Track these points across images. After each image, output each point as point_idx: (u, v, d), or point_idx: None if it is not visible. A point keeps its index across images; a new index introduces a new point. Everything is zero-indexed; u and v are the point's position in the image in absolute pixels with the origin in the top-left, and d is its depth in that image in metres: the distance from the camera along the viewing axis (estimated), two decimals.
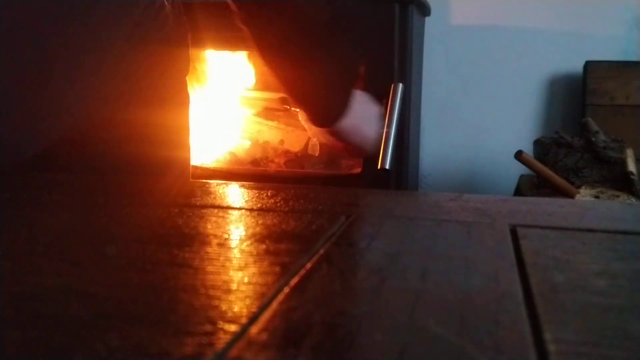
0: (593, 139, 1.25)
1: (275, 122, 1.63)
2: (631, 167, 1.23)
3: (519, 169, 1.37)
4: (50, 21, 0.47)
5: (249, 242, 0.30)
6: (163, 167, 0.60)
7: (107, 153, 0.55)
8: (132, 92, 0.56)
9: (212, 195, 0.42)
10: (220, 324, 0.20)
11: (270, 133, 1.62)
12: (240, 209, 0.38)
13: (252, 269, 0.26)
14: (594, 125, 1.28)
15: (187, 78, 0.65)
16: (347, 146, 0.68)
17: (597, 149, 1.25)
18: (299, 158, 1.55)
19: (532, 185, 1.35)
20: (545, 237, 0.32)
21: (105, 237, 0.32)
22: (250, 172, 1.50)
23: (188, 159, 0.66)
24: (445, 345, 0.19)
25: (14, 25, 0.45)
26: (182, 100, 0.64)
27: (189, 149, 0.66)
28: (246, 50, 1.55)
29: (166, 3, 0.56)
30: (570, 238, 0.32)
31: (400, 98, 1.29)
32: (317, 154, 1.54)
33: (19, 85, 0.47)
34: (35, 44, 0.47)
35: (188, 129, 0.65)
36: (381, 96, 1.35)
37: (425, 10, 1.53)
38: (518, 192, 1.38)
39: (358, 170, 1.41)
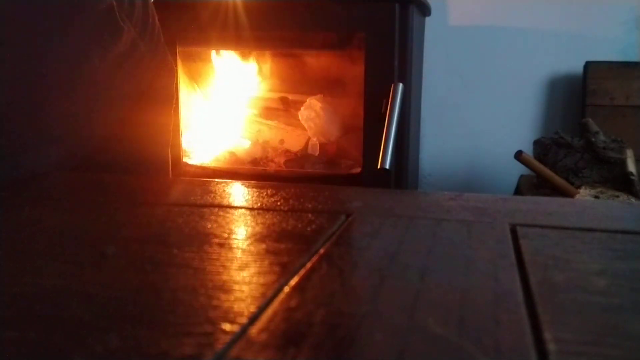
0: (593, 139, 1.25)
1: (275, 121, 1.63)
2: (631, 167, 1.22)
3: (519, 169, 1.38)
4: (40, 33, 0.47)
5: (248, 241, 0.30)
6: (143, 164, 0.61)
7: (93, 151, 0.55)
8: (108, 92, 0.56)
9: (212, 194, 0.42)
10: (220, 324, 0.20)
11: (270, 133, 1.62)
12: (240, 207, 0.38)
13: (252, 269, 0.26)
14: (593, 126, 1.28)
15: (175, 77, 0.65)
16: None
17: (597, 150, 1.24)
18: (299, 158, 1.55)
19: (532, 185, 1.35)
20: (545, 237, 0.32)
21: (105, 237, 0.32)
22: (250, 171, 1.50)
23: (167, 156, 0.66)
24: (445, 345, 0.19)
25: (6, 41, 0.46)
26: (162, 97, 0.64)
27: (169, 146, 0.66)
28: (248, 49, 1.55)
29: (114, 4, 0.55)
30: (570, 237, 0.32)
31: (400, 98, 1.29)
32: (317, 154, 1.54)
33: (19, 96, 0.47)
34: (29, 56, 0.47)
35: (169, 127, 0.66)
36: (381, 96, 1.35)
37: (425, 10, 1.53)
38: (518, 192, 1.38)
39: (358, 170, 1.41)
